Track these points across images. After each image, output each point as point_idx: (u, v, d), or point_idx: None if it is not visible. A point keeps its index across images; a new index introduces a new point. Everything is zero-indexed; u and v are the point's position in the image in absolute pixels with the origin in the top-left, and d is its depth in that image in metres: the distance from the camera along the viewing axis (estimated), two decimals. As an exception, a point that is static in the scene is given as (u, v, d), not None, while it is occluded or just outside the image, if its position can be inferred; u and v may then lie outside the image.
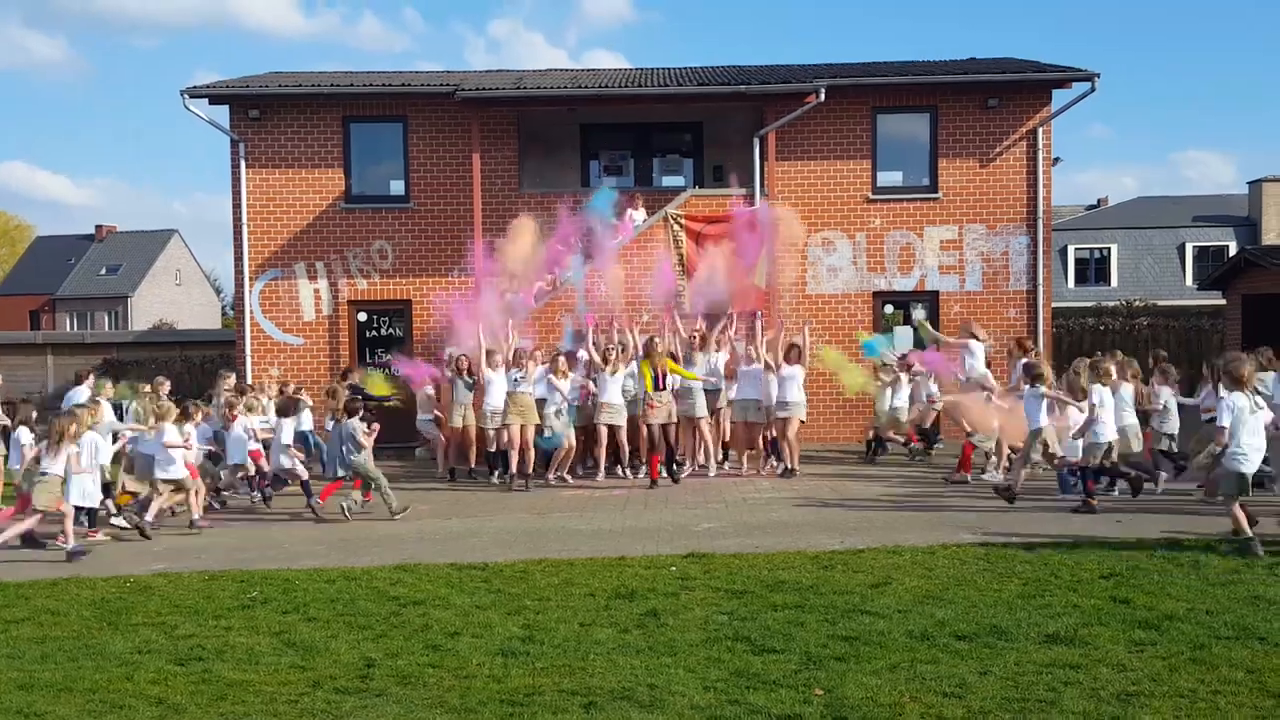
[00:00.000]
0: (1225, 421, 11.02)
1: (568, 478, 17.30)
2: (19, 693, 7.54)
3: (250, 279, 21.89)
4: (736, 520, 13.64)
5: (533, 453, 16.93)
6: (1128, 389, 14.98)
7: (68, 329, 69.80)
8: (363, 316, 22.15)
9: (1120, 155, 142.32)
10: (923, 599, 9.42)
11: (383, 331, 22.16)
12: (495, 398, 16.97)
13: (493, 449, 17.43)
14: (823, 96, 20.63)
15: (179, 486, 14.18)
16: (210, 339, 30.74)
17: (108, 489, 14.19)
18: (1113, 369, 14.28)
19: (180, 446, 14.06)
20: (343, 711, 7.02)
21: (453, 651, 8.23)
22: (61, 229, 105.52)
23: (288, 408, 16.00)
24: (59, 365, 27.22)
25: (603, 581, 10.36)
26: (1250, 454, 11.01)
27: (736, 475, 17.60)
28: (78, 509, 12.92)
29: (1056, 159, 22.33)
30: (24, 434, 14.03)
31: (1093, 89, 20.82)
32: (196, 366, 26.49)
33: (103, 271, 78.01)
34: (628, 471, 17.50)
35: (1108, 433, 13.70)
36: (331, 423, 15.52)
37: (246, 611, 9.65)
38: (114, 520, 14.00)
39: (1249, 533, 10.82)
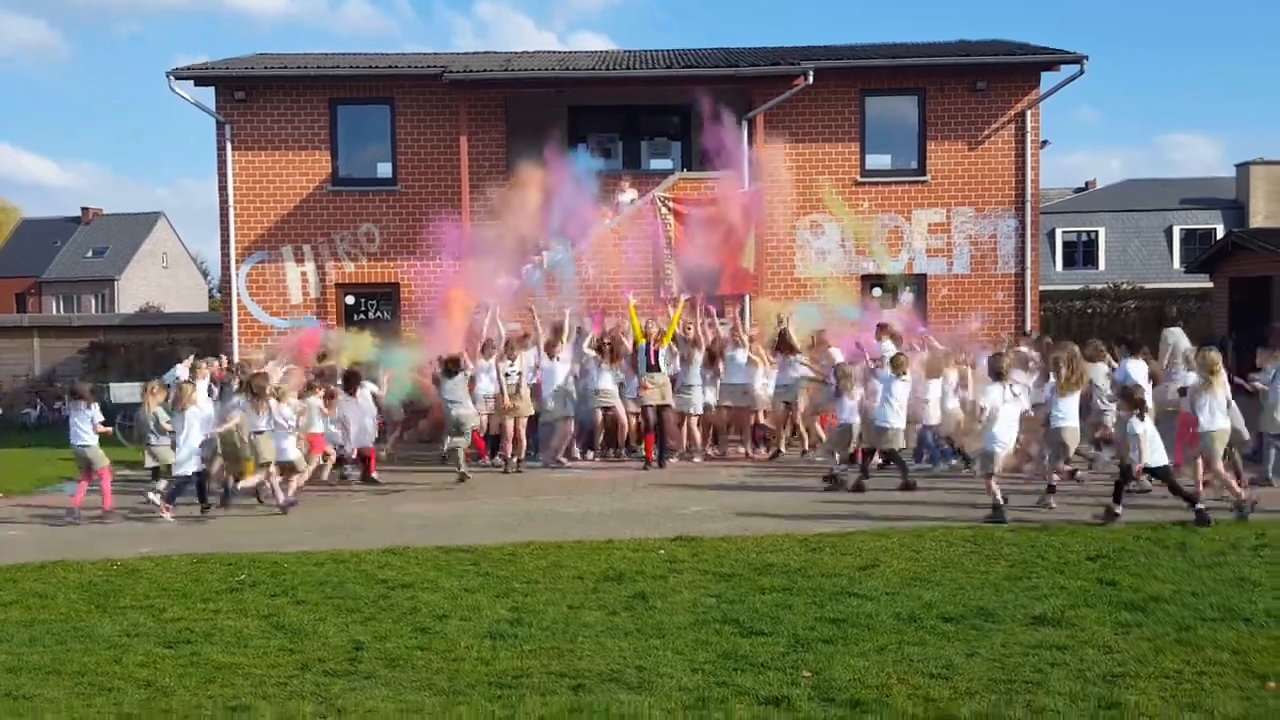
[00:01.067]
0: (984, 404, 12.73)
1: (564, 460, 17.30)
2: (7, 675, 7.53)
3: (237, 262, 21.80)
4: (724, 504, 13.66)
5: (525, 441, 16.96)
6: (952, 375, 15.59)
7: (54, 312, 69.51)
8: (350, 300, 22.09)
9: (1107, 138, 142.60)
10: (910, 581, 9.46)
11: (370, 315, 22.10)
12: (485, 385, 16.97)
13: (484, 434, 17.48)
14: (811, 79, 20.58)
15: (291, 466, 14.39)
16: (197, 322, 30.66)
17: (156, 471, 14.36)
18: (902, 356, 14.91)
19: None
20: (331, 694, 7.03)
21: (441, 634, 8.24)
22: (47, 212, 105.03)
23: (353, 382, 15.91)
24: (45, 348, 27.17)
25: (591, 564, 10.37)
26: (1002, 437, 12.54)
27: (726, 459, 17.65)
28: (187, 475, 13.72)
29: (1044, 142, 22.34)
30: (97, 411, 14.13)
31: (1081, 71, 20.81)
32: (183, 350, 26.42)
33: (89, 254, 77.66)
34: (622, 452, 17.56)
35: (894, 421, 14.37)
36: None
37: (235, 594, 9.64)
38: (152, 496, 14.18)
39: (1000, 501, 12.26)
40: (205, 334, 26.50)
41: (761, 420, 17.83)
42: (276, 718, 6.65)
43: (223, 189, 21.73)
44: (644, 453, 17.00)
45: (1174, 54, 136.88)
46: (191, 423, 13.74)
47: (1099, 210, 50.90)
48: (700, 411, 17.30)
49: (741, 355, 17.26)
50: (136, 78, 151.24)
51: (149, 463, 14.26)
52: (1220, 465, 12.25)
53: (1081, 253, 49.97)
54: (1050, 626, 8.02)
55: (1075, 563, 9.97)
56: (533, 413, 16.97)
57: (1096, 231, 50.02)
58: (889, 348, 15.73)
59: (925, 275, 21.71)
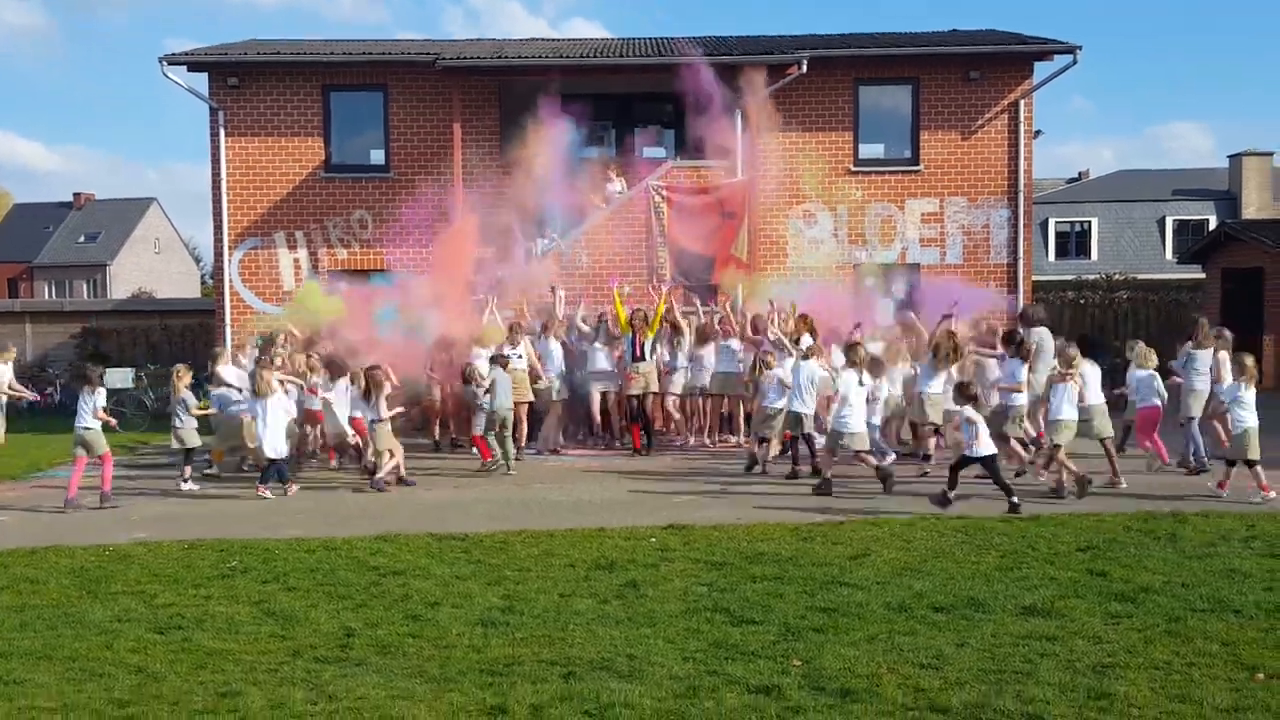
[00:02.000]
0: (841, 389, 13.51)
1: (559, 448, 17.30)
2: (-2, 661, 7.54)
3: (230, 248, 21.77)
4: (715, 492, 13.68)
5: (525, 426, 16.99)
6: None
7: (46, 297, 69.34)
8: (343, 286, 22.01)
9: (1100, 128, 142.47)
10: (901, 571, 9.48)
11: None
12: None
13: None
14: (805, 68, 20.56)
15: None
16: (189, 308, 30.56)
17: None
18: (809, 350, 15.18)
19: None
20: (322, 680, 7.03)
21: (432, 621, 8.25)
22: (34, 196, 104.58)
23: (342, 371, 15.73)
24: (37, 333, 27.11)
25: (583, 552, 10.39)
26: (851, 419, 13.42)
27: (721, 446, 17.69)
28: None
29: (1038, 132, 22.34)
30: (100, 396, 14.14)
31: (1074, 62, 20.82)
32: (176, 335, 26.40)
33: (81, 239, 77.46)
34: (615, 441, 17.66)
35: (799, 406, 14.68)
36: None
37: (226, 580, 9.64)
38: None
39: (828, 476, 13.49)
40: (197, 320, 26.46)
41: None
42: (267, 704, 6.65)
43: (216, 175, 21.70)
44: (633, 441, 17.12)
45: (1167, 44, 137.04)
46: (274, 409, 14.08)
47: (1092, 200, 50.89)
48: (679, 392, 17.47)
49: (736, 344, 17.28)
50: (128, 62, 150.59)
51: (174, 445, 14.74)
52: (1062, 453, 13.12)
53: (1074, 243, 49.97)
54: (1040, 617, 8.05)
55: (1066, 554, 10.00)
56: (531, 399, 16.97)
57: (1089, 222, 50.02)
58: (807, 340, 15.73)
59: (918, 265, 21.72)
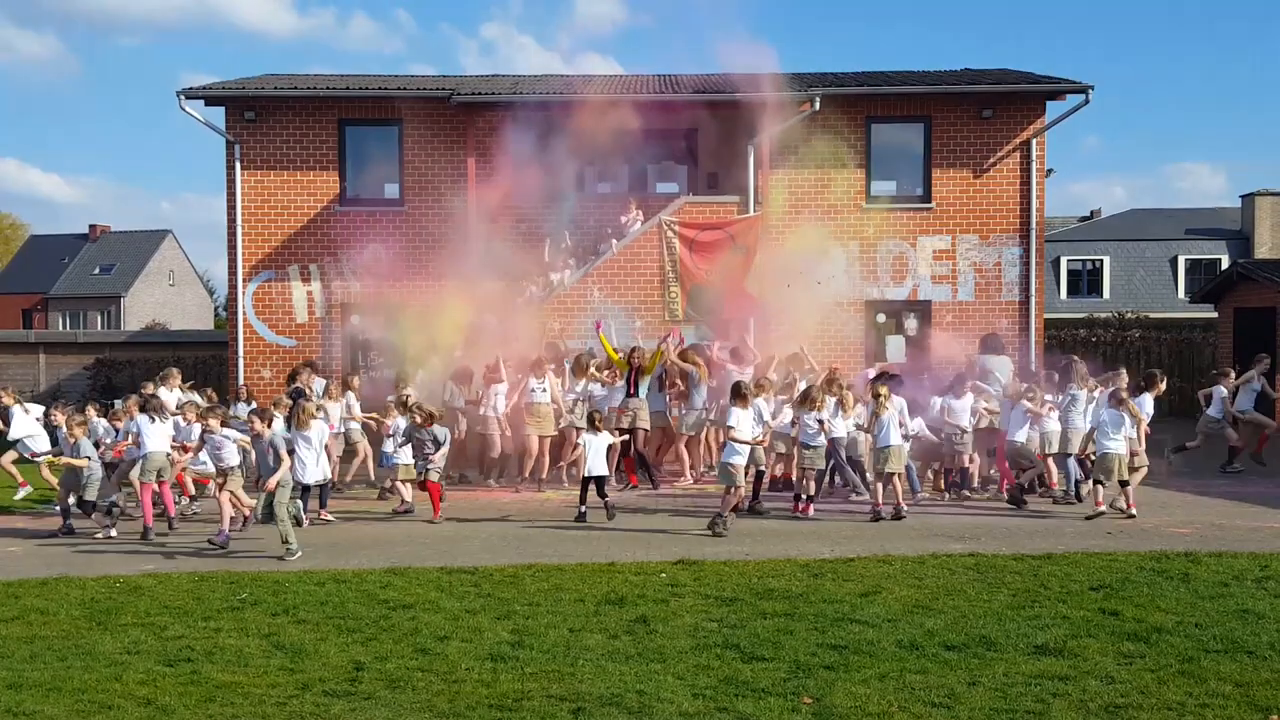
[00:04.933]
0: (731, 422, 13.66)
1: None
2: (7, 692, 7.53)
3: (244, 280, 21.87)
4: (727, 527, 13.62)
5: (547, 459, 16.96)
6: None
7: (60, 328, 69.65)
8: (356, 319, 22.10)
9: (1112, 166, 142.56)
10: (912, 608, 9.44)
11: (375, 334, 22.07)
12: (497, 404, 16.95)
13: (495, 453, 17.37)
14: (817, 105, 20.65)
15: None
16: (203, 340, 30.66)
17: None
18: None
19: None
20: (331, 714, 7.02)
21: (442, 655, 8.24)
22: (52, 228, 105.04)
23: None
24: (50, 364, 27.20)
25: (592, 587, 10.37)
26: (742, 451, 13.63)
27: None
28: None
29: (1050, 170, 22.40)
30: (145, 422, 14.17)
31: (1086, 101, 20.87)
32: (189, 368, 26.43)
33: (96, 271, 77.88)
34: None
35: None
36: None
37: (236, 613, 9.64)
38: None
39: (729, 511, 13.62)
40: (211, 352, 26.52)
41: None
42: (276, 738, 6.65)
43: (231, 208, 21.83)
44: (648, 474, 17.02)
45: (1179, 83, 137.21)
46: (315, 438, 13.91)
47: (1104, 239, 50.90)
48: (690, 431, 17.37)
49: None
50: (141, 94, 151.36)
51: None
52: (897, 480, 14.33)
53: (1086, 281, 49.96)
54: (1053, 656, 8.01)
55: (1078, 592, 9.96)
56: (554, 433, 16.94)
57: (1101, 260, 50.02)
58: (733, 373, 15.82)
59: (930, 302, 21.74)
